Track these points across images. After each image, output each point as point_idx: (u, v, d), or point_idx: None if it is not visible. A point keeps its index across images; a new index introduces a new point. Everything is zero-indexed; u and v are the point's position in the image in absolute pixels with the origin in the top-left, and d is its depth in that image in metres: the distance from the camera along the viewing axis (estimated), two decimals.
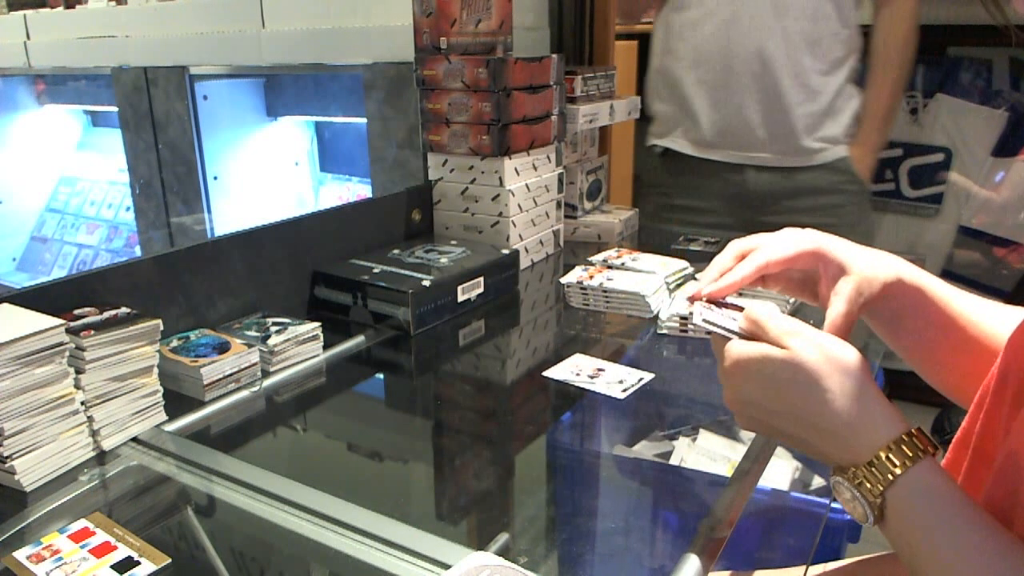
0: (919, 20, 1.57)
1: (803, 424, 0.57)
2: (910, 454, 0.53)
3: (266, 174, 2.37)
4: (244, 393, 0.94)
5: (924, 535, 0.52)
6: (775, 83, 1.54)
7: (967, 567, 0.50)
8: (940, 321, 0.69)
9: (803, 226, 0.74)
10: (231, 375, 0.93)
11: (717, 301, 0.68)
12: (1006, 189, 2.03)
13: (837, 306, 0.66)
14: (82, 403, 0.77)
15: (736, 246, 0.72)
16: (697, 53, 1.59)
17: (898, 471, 0.52)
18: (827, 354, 0.57)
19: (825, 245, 0.70)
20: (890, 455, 0.53)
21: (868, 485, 0.53)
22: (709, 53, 1.57)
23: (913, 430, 0.54)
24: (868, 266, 0.68)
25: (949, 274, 2.14)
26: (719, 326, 0.62)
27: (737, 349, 0.60)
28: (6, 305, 0.79)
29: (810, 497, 1.07)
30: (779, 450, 1.17)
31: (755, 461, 0.78)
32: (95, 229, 2.99)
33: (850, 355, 0.57)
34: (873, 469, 0.53)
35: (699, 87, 1.61)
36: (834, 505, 1.10)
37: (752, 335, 0.61)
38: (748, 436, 1.16)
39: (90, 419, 0.79)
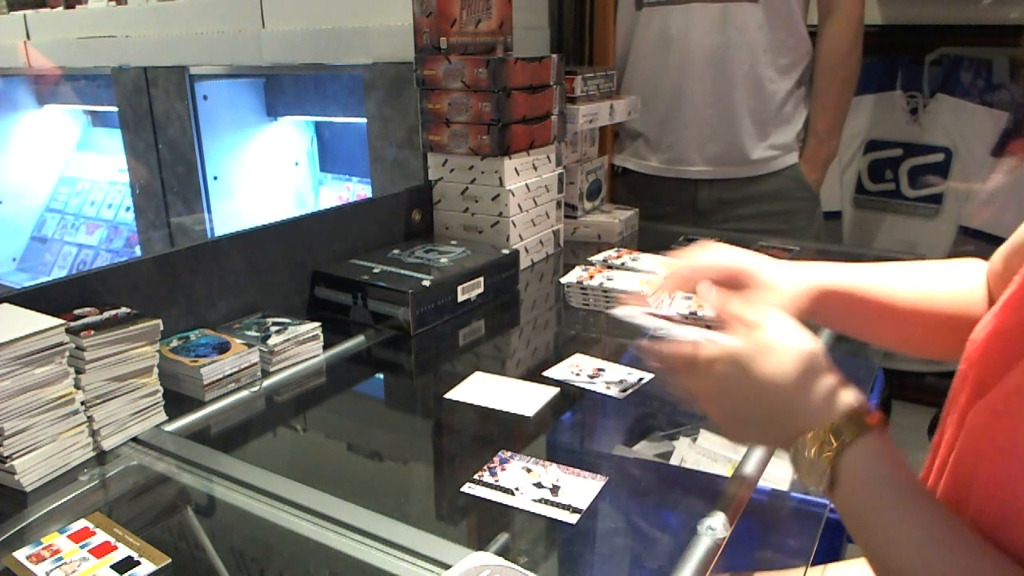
0: (862, 29, 1.58)
1: (767, 404, 0.62)
2: (863, 424, 0.57)
3: (266, 174, 2.37)
4: (244, 393, 0.94)
5: (872, 499, 0.55)
6: (727, 93, 1.56)
7: (908, 533, 0.53)
8: (876, 311, 0.77)
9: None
10: (231, 375, 0.93)
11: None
12: (1006, 190, 2.03)
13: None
14: (82, 403, 0.78)
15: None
16: (650, 73, 1.63)
17: (852, 436, 0.57)
18: (784, 338, 0.62)
19: (749, 265, 0.77)
20: (846, 422, 0.58)
21: (825, 449, 0.57)
22: (661, 72, 1.60)
23: (862, 405, 0.59)
24: (790, 284, 0.76)
25: None
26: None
27: (710, 349, 0.66)
28: (6, 305, 0.79)
29: (810, 497, 1.07)
30: (779, 450, 1.17)
31: (755, 461, 0.78)
32: (95, 229, 2.99)
33: (804, 339, 0.62)
34: (830, 434, 0.58)
35: (654, 106, 1.64)
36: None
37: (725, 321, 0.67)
38: None
39: (90, 419, 0.79)
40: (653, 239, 1.59)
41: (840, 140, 1.69)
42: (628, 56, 1.67)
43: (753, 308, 0.66)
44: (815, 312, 0.75)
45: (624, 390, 0.94)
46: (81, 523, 0.69)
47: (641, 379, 0.97)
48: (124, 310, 0.85)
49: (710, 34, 1.53)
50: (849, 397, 0.59)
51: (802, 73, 1.61)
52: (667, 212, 1.70)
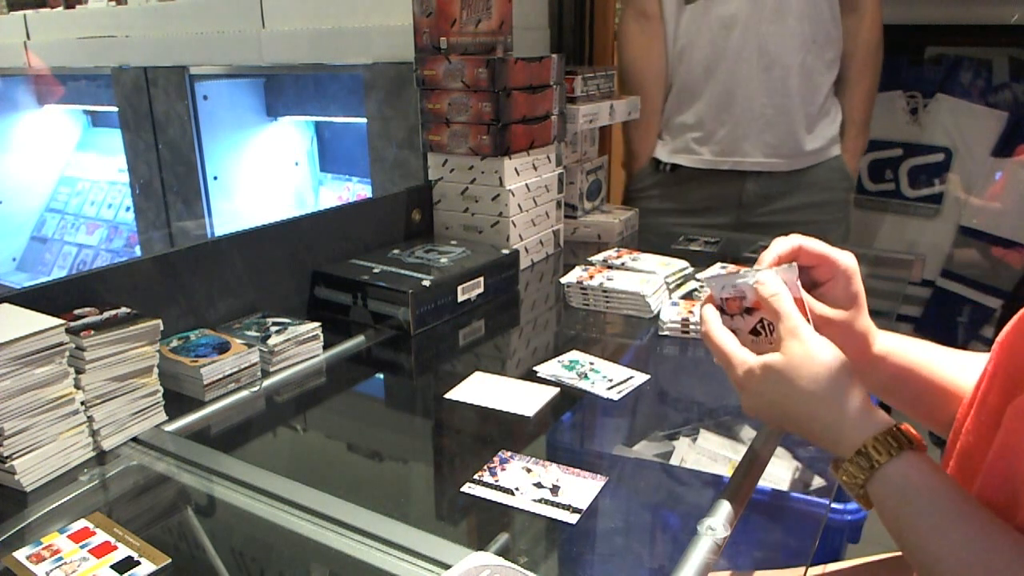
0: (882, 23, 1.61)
1: (802, 426, 0.63)
2: (891, 449, 0.57)
3: (266, 174, 2.37)
4: (244, 393, 0.94)
5: (907, 524, 0.55)
6: (783, 83, 1.56)
7: (952, 556, 0.52)
8: (902, 375, 0.74)
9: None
10: (231, 375, 0.93)
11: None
12: (1005, 190, 2.03)
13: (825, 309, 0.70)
14: (82, 403, 0.77)
15: None
16: (705, 64, 1.61)
17: (877, 464, 0.57)
18: (814, 360, 0.62)
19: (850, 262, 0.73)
20: (871, 450, 0.57)
21: (848, 479, 0.58)
22: (716, 63, 1.59)
23: (898, 427, 0.58)
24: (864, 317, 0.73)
25: (949, 274, 2.14)
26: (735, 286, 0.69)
27: (743, 363, 0.66)
28: (6, 305, 0.79)
29: (810, 497, 1.07)
30: (779, 450, 1.17)
31: (755, 461, 0.77)
32: (95, 229, 2.99)
33: (836, 359, 0.62)
34: (854, 464, 0.58)
35: (708, 97, 1.63)
36: (834, 505, 1.10)
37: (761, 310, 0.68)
38: (748, 436, 1.16)
39: (90, 419, 0.79)
40: (653, 239, 1.59)
41: (869, 131, 1.71)
42: (678, 50, 1.65)
43: (795, 316, 0.65)
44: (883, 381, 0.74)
45: (620, 391, 0.94)
46: (81, 523, 0.69)
47: (636, 379, 0.97)
48: (124, 310, 0.85)
49: (766, 23, 1.54)
50: (877, 419, 0.59)
51: (838, 68, 1.63)
52: (710, 206, 1.69)
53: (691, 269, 1.29)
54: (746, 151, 1.62)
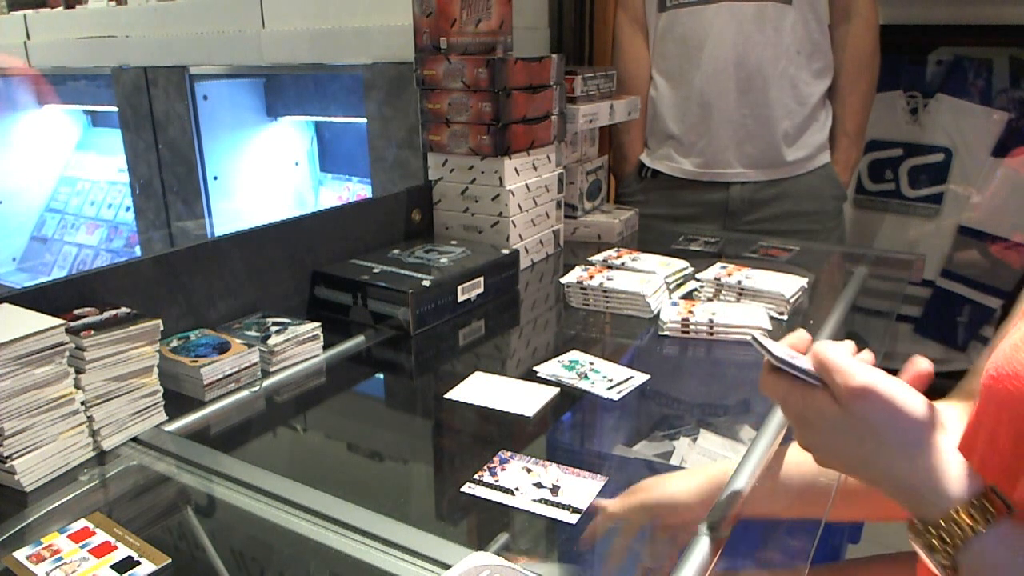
0: (879, 30, 1.59)
1: (874, 476, 0.57)
2: (981, 517, 0.52)
3: (266, 174, 2.37)
4: (244, 393, 0.94)
5: None
6: (763, 94, 1.54)
7: None
8: None
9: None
10: (231, 375, 0.93)
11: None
12: (1006, 190, 2.04)
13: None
14: (82, 403, 0.78)
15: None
16: (681, 75, 1.60)
17: (969, 535, 0.51)
18: (896, 412, 0.55)
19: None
20: (960, 517, 0.52)
21: (939, 548, 0.52)
22: (692, 73, 1.58)
23: (986, 489, 0.53)
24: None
25: (949, 274, 2.14)
26: (792, 365, 0.60)
27: (801, 400, 0.59)
28: (6, 305, 0.79)
29: None
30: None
31: (755, 461, 0.77)
32: (95, 229, 2.98)
33: (920, 411, 0.55)
34: (943, 532, 0.52)
35: (686, 109, 1.62)
36: None
37: (819, 376, 0.59)
38: (748, 436, 1.16)
39: (90, 419, 0.79)
40: (653, 239, 1.59)
41: (864, 141, 1.69)
42: (655, 59, 1.65)
43: (865, 366, 0.57)
44: None
45: (620, 391, 0.94)
46: (81, 523, 0.69)
47: (637, 380, 0.97)
48: (124, 310, 0.85)
49: (744, 33, 1.51)
50: (964, 482, 0.53)
51: (830, 78, 1.61)
52: (696, 213, 1.68)
53: (691, 269, 1.29)
54: (727, 162, 1.61)
